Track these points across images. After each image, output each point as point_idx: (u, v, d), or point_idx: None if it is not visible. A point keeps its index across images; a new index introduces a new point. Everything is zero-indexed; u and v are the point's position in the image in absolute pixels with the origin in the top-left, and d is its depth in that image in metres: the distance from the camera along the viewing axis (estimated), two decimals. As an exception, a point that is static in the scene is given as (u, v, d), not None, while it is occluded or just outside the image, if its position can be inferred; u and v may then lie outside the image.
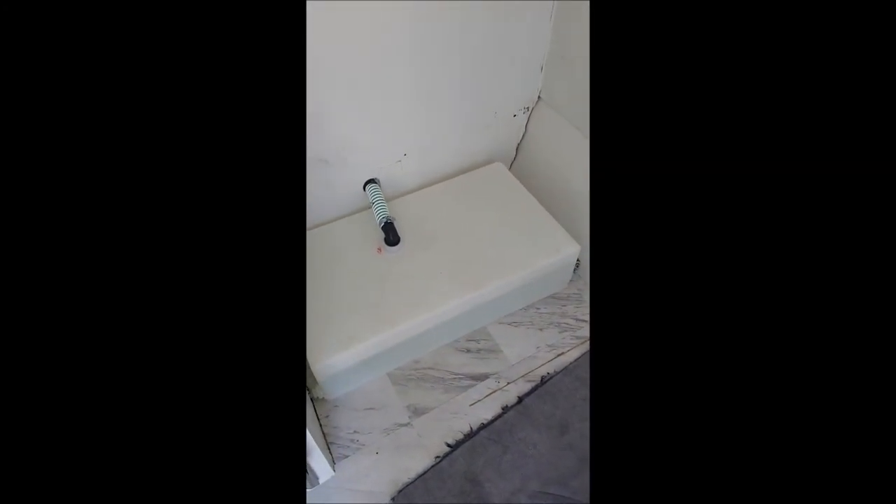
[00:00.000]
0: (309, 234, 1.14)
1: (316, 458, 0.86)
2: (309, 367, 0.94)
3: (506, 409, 1.02)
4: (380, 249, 1.10)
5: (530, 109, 1.28)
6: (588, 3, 1.00)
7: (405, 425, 1.00)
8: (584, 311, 1.18)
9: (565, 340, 1.12)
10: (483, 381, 1.06)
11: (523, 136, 1.34)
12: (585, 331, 1.14)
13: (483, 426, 0.99)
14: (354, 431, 1.00)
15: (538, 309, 1.18)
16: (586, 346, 1.11)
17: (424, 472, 0.94)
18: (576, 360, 1.08)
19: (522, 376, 1.07)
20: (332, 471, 0.91)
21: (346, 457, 0.96)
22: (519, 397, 1.03)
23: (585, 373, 1.06)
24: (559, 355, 1.10)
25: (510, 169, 1.37)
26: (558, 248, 1.10)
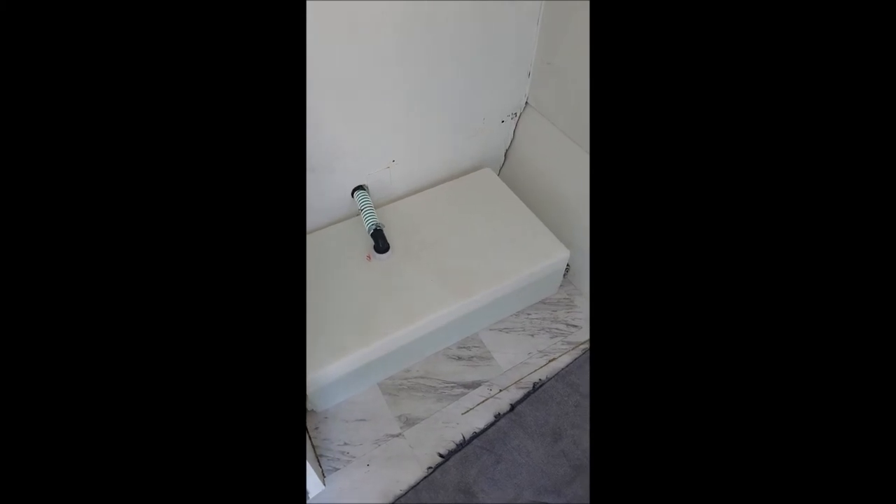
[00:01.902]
0: (296, 242, 1.12)
1: (306, 472, 0.83)
2: (297, 379, 0.92)
3: (498, 417, 1.01)
4: (369, 257, 1.09)
5: (518, 115, 1.28)
6: (575, 9, 1.01)
7: (397, 436, 0.99)
8: (575, 316, 1.18)
9: (556, 346, 1.12)
10: (475, 388, 1.05)
11: (511, 141, 1.34)
12: (576, 336, 1.14)
13: (476, 435, 0.98)
14: (345, 443, 0.98)
15: (529, 314, 1.18)
16: (578, 352, 1.11)
17: (416, 484, 0.92)
18: (567, 366, 1.08)
19: (514, 383, 1.06)
20: (322, 485, 0.89)
21: (337, 469, 0.94)
22: (511, 405, 1.02)
23: (577, 378, 1.06)
24: (551, 361, 1.09)
25: (499, 174, 1.37)
26: (548, 254, 1.10)
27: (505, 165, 1.39)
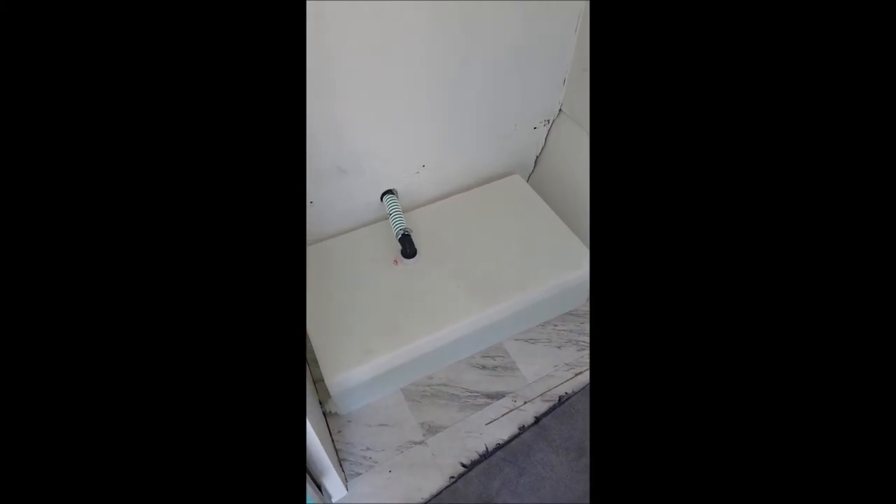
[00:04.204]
0: (324, 245, 1.12)
1: (330, 478, 0.83)
2: (323, 381, 0.92)
3: (522, 429, 0.99)
4: (396, 261, 1.08)
5: (551, 122, 1.27)
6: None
7: (419, 443, 0.98)
8: (603, 329, 1.15)
9: (584, 359, 1.10)
10: (499, 399, 1.04)
11: (542, 148, 1.32)
12: (604, 349, 1.12)
13: (499, 446, 0.97)
14: (367, 448, 0.97)
15: (556, 326, 1.16)
16: (605, 366, 1.09)
17: (438, 493, 0.92)
18: (594, 380, 1.06)
19: (540, 395, 1.04)
20: (345, 489, 0.89)
21: (359, 474, 0.94)
22: (536, 417, 1.01)
23: (604, 393, 1.04)
24: (577, 374, 1.07)
25: (528, 181, 1.36)
26: (577, 264, 1.08)
27: (534, 172, 1.38)
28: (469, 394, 1.05)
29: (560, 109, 1.24)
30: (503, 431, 0.99)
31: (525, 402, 1.03)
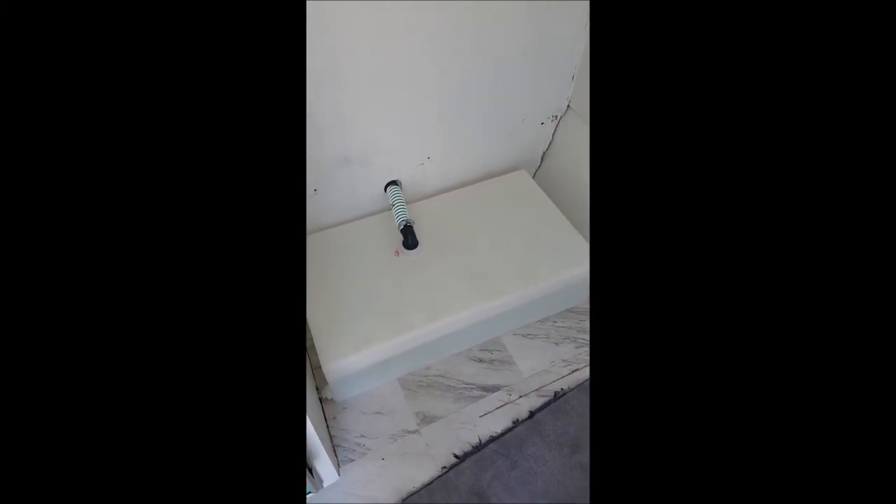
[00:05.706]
0: (327, 234, 1.13)
1: (322, 462, 0.84)
2: (320, 368, 0.93)
3: (516, 423, 1.00)
4: (397, 252, 1.09)
5: (558, 118, 1.26)
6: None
7: (413, 432, 0.99)
8: (602, 328, 1.15)
9: (581, 356, 1.09)
10: (494, 392, 1.04)
11: (549, 144, 1.32)
12: (602, 348, 1.11)
13: (492, 439, 0.97)
14: (361, 435, 0.98)
15: (555, 322, 1.15)
16: (602, 364, 1.08)
17: (430, 483, 0.92)
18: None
19: (535, 390, 1.04)
20: (337, 475, 0.90)
21: (352, 461, 0.95)
22: (530, 412, 1.01)
23: (600, 391, 1.03)
24: (574, 371, 1.07)
25: (533, 177, 1.35)
26: (579, 261, 1.08)
27: (540, 168, 1.37)
28: (465, 385, 1.05)
29: (568, 106, 1.23)
30: (497, 424, 0.99)
31: (520, 397, 1.03)
